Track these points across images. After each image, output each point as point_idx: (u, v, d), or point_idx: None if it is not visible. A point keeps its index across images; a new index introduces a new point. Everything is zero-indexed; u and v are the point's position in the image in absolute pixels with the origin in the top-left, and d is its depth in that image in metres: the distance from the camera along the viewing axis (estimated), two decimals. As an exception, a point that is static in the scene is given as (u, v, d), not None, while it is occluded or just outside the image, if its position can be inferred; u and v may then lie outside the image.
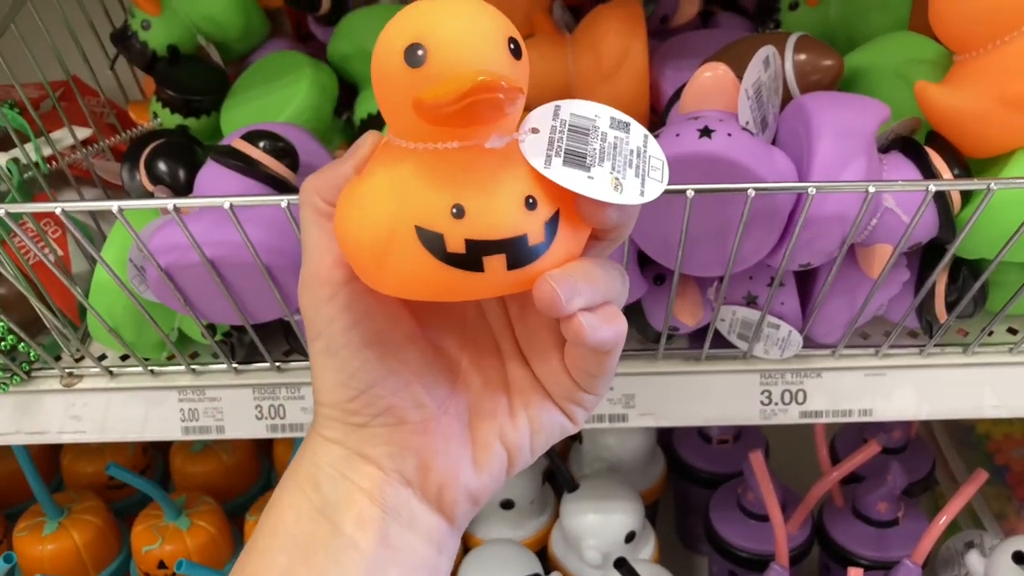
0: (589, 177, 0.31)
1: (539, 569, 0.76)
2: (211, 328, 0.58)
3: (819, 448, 0.81)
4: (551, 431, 0.36)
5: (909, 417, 0.59)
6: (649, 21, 0.65)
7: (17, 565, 0.81)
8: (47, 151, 0.67)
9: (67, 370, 0.61)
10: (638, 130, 0.33)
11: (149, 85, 0.75)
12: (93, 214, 0.67)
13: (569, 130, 0.32)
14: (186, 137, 0.59)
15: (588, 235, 0.33)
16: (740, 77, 0.49)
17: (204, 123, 0.68)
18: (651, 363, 0.59)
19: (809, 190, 0.46)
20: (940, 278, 0.54)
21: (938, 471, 0.92)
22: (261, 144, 0.53)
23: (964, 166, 0.51)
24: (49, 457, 0.94)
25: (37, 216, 0.61)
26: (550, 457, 0.80)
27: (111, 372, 0.60)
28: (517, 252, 0.30)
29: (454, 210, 0.30)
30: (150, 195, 0.56)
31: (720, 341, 0.58)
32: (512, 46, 0.30)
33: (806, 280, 0.57)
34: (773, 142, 0.53)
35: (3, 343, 0.59)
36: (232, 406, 0.60)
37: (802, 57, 0.55)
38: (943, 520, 0.69)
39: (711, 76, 0.50)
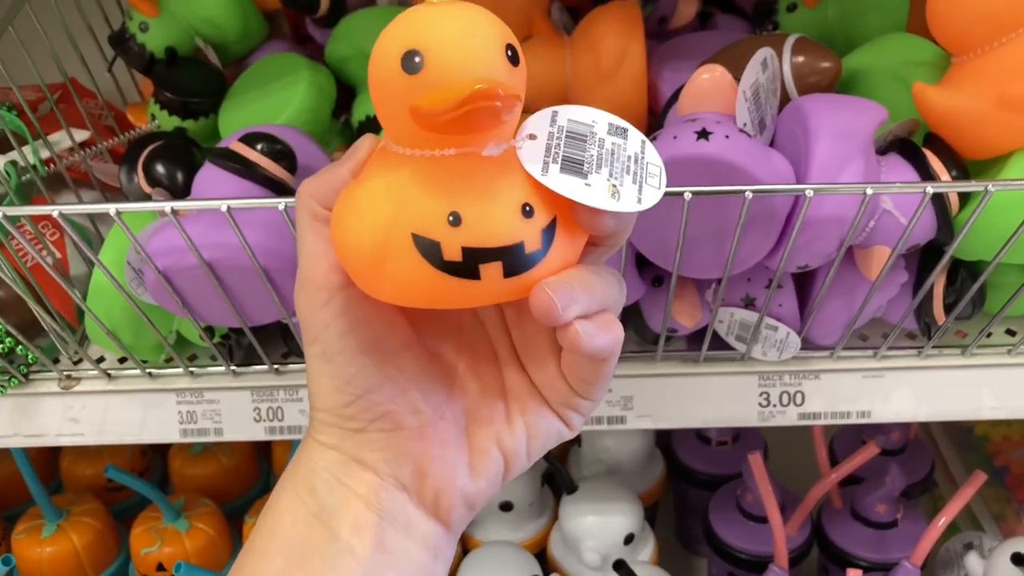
0: (586, 184, 0.30)
1: (538, 571, 0.76)
2: (209, 330, 0.58)
3: (818, 450, 0.81)
4: (548, 437, 0.36)
5: (907, 419, 0.59)
6: (647, 22, 0.64)
7: (16, 568, 0.81)
8: (45, 153, 0.67)
9: (65, 373, 0.61)
10: (636, 136, 0.33)
11: (147, 87, 0.75)
12: (91, 217, 0.67)
13: (566, 136, 0.31)
14: (184, 139, 0.59)
15: (585, 241, 0.33)
16: (738, 79, 0.49)
17: (202, 125, 0.68)
18: (649, 365, 0.59)
19: (807, 192, 0.46)
20: (938, 280, 0.54)
21: (937, 473, 0.92)
22: (259, 146, 0.53)
23: (962, 168, 0.51)
24: (48, 459, 0.94)
25: (35, 219, 0.61)
26: (549, 459, 0.80)
27: (109, 374, 0.60)
28: (514, 260, 0.30)
29: (451, 218, 0.29)
30: (148, 197, 0.56)
31: (718, 343, 0.58)
32: (509, 52, 0.29)
33: (804, 282, 0.57)
34: (771, 144, 0.53)
35: (1, 346, 0.59)
36: (230, 408, 0.60)
37: (800, 59, 0.55)
38: (942, 522, 0.69)
39: (709, 78, 0.50)
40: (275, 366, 0.60)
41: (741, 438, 0.93)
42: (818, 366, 0.58)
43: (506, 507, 0.82)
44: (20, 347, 0.59)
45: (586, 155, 0.31)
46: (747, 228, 0.49)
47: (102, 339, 0.58)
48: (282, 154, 0.53)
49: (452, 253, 0.30)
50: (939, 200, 0.50)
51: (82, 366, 0.61)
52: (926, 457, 0.90)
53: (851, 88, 0.59)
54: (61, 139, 0.69)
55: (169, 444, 0.94)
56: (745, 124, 0.49)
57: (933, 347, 0.58)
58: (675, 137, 0.48)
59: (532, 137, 0.31)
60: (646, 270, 0.57)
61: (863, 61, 0.59)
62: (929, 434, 0.98)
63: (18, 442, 0.62)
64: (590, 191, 0.30)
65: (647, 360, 0.60)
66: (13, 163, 0.64)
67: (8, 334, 0.59)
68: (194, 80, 0.68)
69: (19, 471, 0.77)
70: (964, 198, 0.51)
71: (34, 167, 0.66)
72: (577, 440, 0.92)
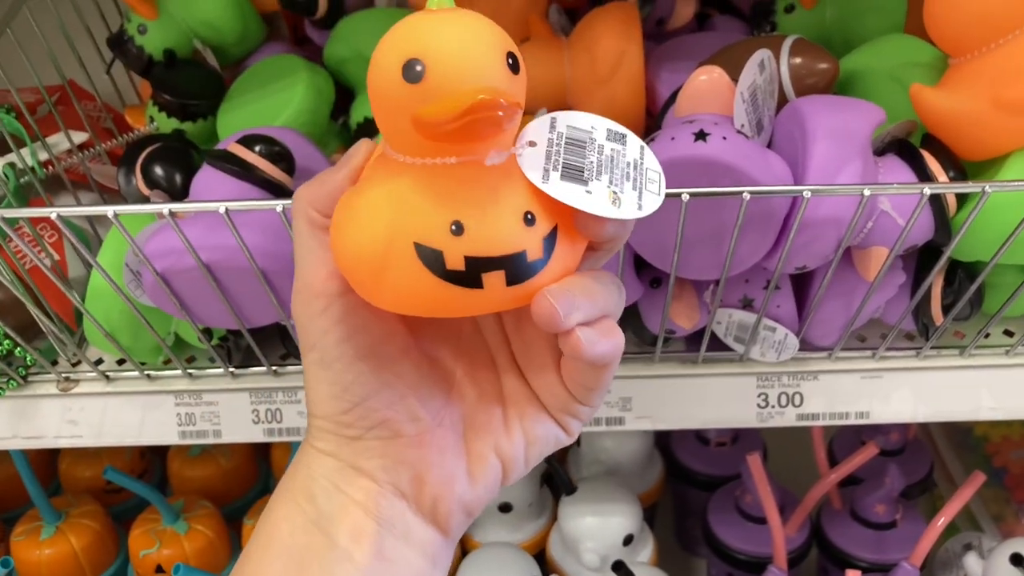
0: (587, 192, 0.30)
1: (537, 572, 0.76)
2: (207, 332, 0.58)
3: (817, 450, 0.81)
4: (546, 442, 0.36)
5: (906, 419, 0.59)
6: (645, 24, 0.65)
7: (15, 570, 0.81)
8: (43, 155, 0.67)
9: (64, 375, 0.61)
10: (635, 142, 0.33)
11: (146, 89, 0.75)
12: (89, 219, 0.67)
13: (566, 143, 0.31)
14: (182, 141, 0.59)
15: (584, 247, 0.33)
16: (736, 80, 0.49)
17: (200, 127, 0.68)
18: (648, 366, 0.59)
19: (804, 193, 0.46)
20: (936, 281, 0.54)
21: (936, 473, 0.92)
22: (257, 148, 0.53)
23: (959, 169, 0.51)
24: (47, 461, 0.94)
25: (33, 221, 0.61)
26: (548, 460, 0.80)
27: (108, 376, 0.60)
28: (516, 268, 0.30)
29: (453, 227, 0.29)
30: (146, 199, 0.56)
31: (717, 344, 0.58)
32: (510, 61, 0.29)
33: (802, 283, 0.57)
34: (769, 145, 0.53)
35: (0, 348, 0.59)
36: (229, 410, 0.60)
37: (798, 60, 0.55)
38: (941, 522, 0.69)
39: (707, 79, 0.50)
40: (273, 368, 0.60)
41: (740, 439, 0.93)
42: (816, 367, 0.58)
43: (505, 508, 0.82)
44: (19, 349, 0.59)
45: (586, 162, 0.31)
46: (745, 229, 0.49)
47: (100, 341, 0.58)
48: (280, 156, 0.53)
49: (455, 262, 0.29)
50: (937, 201, 0.50)
51: (80, 368, 0.61)
52: (925, 458, 0.90)
53: (849, 89, 0.59)
54: (59, 141, 0.69)
55: (168, 446, 0.94)
56: (743, 125, 0.49)
57: (931, 348, 0.58)
58: (673, 138, 0.48)
59: (532, 144, 0.31)
60: (644, 271, 0.57)
61: (861, 62, 0.59)
62: (928, 435, 0.98)
63: (17, 444, 0.62)
64: (591, 198, 0.30)
65: (645, 361, 0.60)
66: (11, 165, 0.64)
67: (6, 336, 0.59)
68: (192, 82, 0.68)
69: (18, 473, 0.77)
70: (962, 199, 0.51)
71: (32, 169, 0.66)
72: (576, 441, 0.91)
